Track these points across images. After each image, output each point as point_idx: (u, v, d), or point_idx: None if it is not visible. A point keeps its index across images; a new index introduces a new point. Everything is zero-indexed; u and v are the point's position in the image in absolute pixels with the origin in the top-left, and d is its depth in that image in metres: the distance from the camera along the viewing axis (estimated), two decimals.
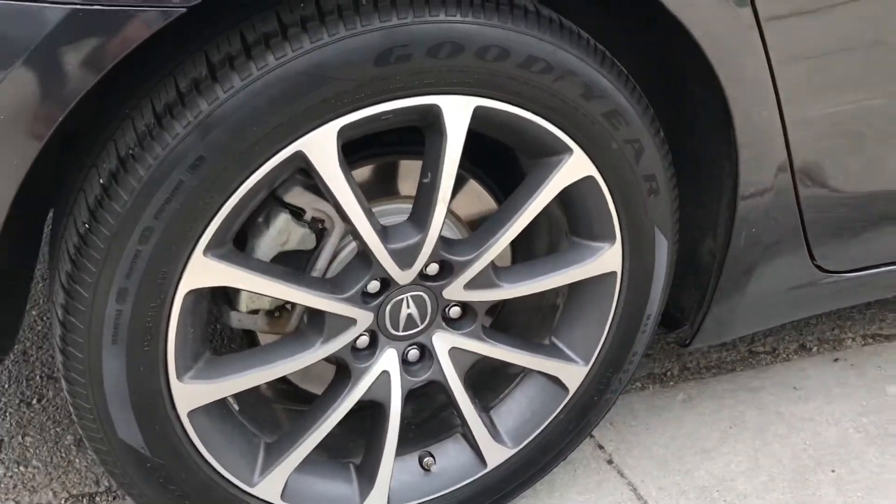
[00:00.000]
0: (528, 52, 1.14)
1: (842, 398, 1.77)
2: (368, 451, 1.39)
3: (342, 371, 1.32)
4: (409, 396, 1.36)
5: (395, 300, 1.27)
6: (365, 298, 1.26)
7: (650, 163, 1.29)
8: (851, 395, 1.78)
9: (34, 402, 1.72)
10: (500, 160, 1.42)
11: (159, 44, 1.03)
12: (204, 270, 1.13)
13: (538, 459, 1.47)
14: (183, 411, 1.21)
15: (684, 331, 1.55)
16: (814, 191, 1.40)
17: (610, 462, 1.63)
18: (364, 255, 1.23)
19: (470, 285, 1.29)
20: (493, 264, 1.30)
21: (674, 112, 1.38)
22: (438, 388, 1.38)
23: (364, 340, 1.30)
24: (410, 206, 1.26)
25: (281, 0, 1.07)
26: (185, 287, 1.13)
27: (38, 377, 1.77)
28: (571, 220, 1.35)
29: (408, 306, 1.29)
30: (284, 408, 1.45)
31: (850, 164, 1.42)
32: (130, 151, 1.07)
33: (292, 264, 1.27)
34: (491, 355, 1.37)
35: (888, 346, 1.91)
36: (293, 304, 1.29)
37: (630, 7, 1.30)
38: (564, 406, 1.44)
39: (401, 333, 1.31)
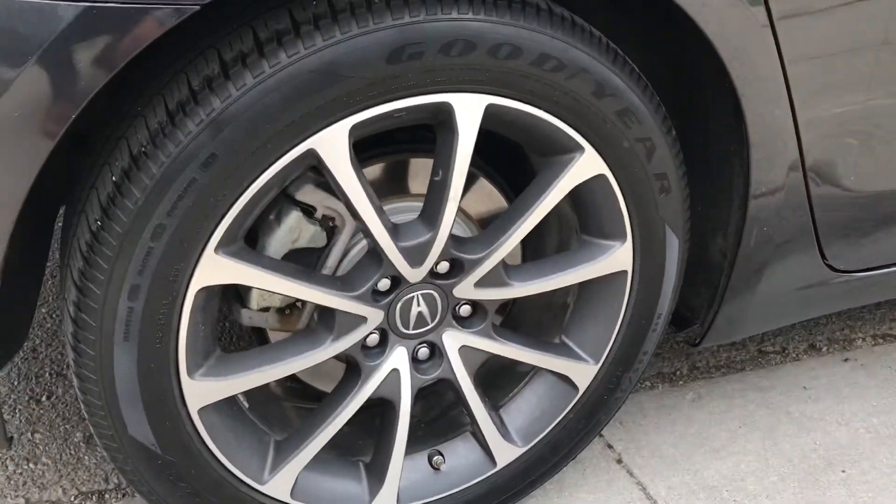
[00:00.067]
0: (540, 50, 1.14)
1: (852, 398, 1.76)
2: (378, 449, 1.39)
3: (352, 369, 1.32)
4: (419, 395, 1.36)
5: (405, 298, 1.27)
6: (375, 296, 1.26)
7: (662, 161, 1.29)
8: (862, 395, 1.77)
9: (44, 398, 1.72)
10: (509, 158, 1.42)
11: (169, 41, 1.03)
12: (215, 268, 1.13)
13: (548, 458, 1.47)
14: (193, 408, 1.21)
15: (694, 330, 1.55)
16: (825, 190, 1.40)
17: (619, 461, 1.63)
18: (375, 253, 1.23)
19: (480, 283, 1.29)
20: (503, 262, 1.30)
21: (685, 110, 1.38)
22: (448, 386, 1.38)
23: (374, 338, 1.30)
24: (421, 204, 1.26)
25: None
26: (196, 284, 1.13)
27: (47, 374, 1.78)
28: (582, 219, 1.35)
29: (418, 304, 1.29)
30: (294, 406, 1.45)
31: (863, 164, 1.41)
32: (143, 149, 1.07)
33: (303, 262, 1.27)
34: (501, 354, 1.37)
35: None
36: (303, 302, 1.29)
37: (642, 5, 1.30)
38: (574, 405, 1.44)
39: (411, 331, 1.31)
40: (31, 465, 1.59)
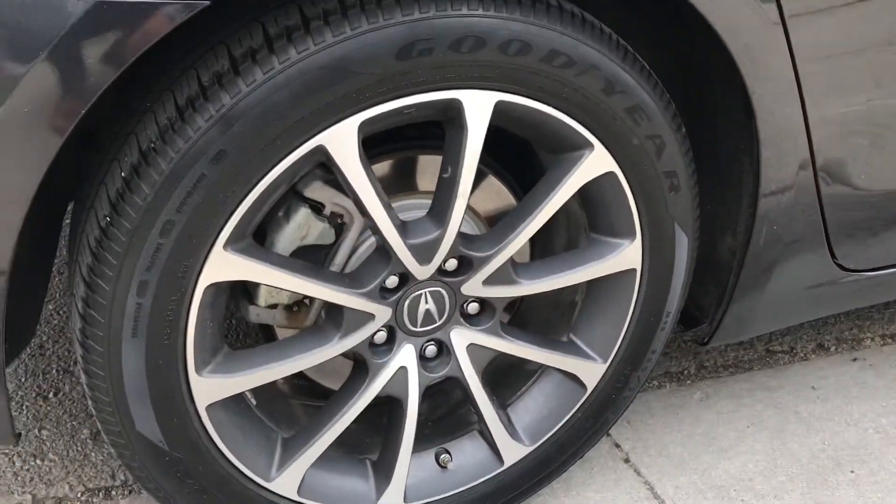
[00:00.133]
0: (550, 47, 1.14)
1: (860, 398, 1.76)
2: (385, 447, 1.38)
3: (360, 366, 1.32)
4: (426, 393, 1.36)
5: (413, 296, 1.27)
6: (383, 293, 1.25)
7: (671, 159, 1.28)
8: (870, 395, 1.76)
9: (51, 395, 1.72)
10: (517, 155, 1.41)
11: (179, 37, 1.03)
12: (224, 264, 1.13)
13: (555, 457, 1.46)
14: (201, 405, 1.21)
15: (703, 329, 1.54)
16: (836, 189, 1.39)
17: (627, 461, 1.62)
18: (383, 250, 1.23)
19: (489, 281, 1.29)
20: (511, 260, 1.29)
21: (695, 108, 1.37)
22: (456, 384, 1.38)
23: (382, 336, 1.30)
24: (429, 201, 1.25)
25: None
26: (205, 281, 1.13)
27: (54, 371, 1.78)
28: (591, 217, 1.34)
29: (426, 302, 1.28)
30: (301, 403, 1.45)
31: (874, 162, 1.41)
32: (152, 145, 1.06)
33: (311, 259, 1.26)
34: (509, 352, 1.37)
35: None
36: (311, 299, 1.29)
37: (652, 1, 1.29)
38: (582, 404, 1.43)
39: (419, 329, 1.30)
40: (38, 461, 1.59)
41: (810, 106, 1.29)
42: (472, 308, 1.34)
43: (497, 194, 1.41)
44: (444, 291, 1.28)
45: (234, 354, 1.24)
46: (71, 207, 1.32)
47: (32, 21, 0.98)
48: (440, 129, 1.22)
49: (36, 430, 1.65)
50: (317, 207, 1.25)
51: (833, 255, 1.46)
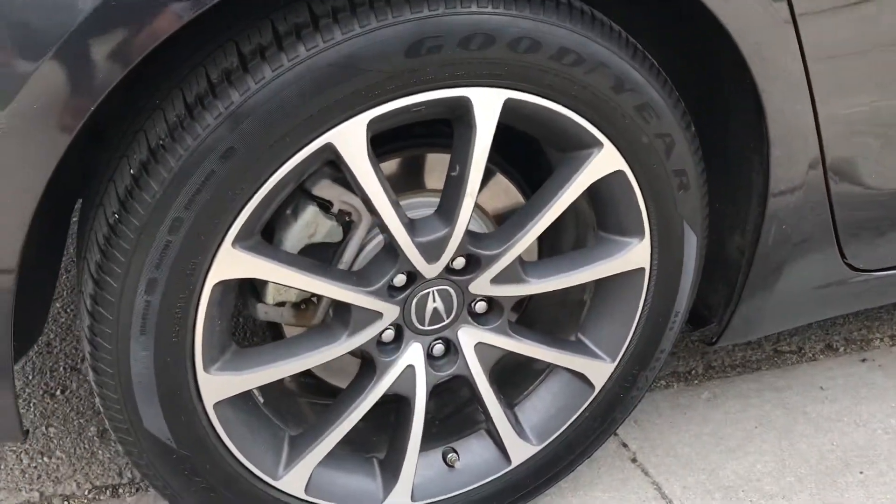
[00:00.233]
0: (559, 44, 1.13)
1: (869, 399, 1.75)
2: (392, 446, 1.38)
3: (367, 365, 1.32)
4: (434, 391, 1.36)
5: (421, 294, 1.27)
6: (391, 292, 1.25)
7: (681, 157, 1.28)
8: (880, 396, 1.76)
9: (58, 393, 1.72)
10: (525, 153, 1.41)
11: (187, 35, 1.03)
12: (232, 262, 1.13)
13: (563, 457, 1.46)
14: (209, 403, 1.21)
15: (711, 328, 1.53)
16: (846, 188, 1.39)
17: (634, 460, 1.62)
18: (391, 248, 1.23)
19: (497, 280, 1.29)
20: (520, 259, 1.29)
21: (704, 107, 1.37)
22: (463, 383, 1.37)
23: (389, 334, 1.30)
24: (437, 199, 1.25)
25: None
26: (213, 278, 1.13)
27: (61, 368, 1.78)
28: (600, 215, 1.34)
29: (434, 300, 1.28)
30: (309, 401, 1.45)
31: (885, 161, 1.40)
32: (161, 142, 1.06)
33: (319, 257, 1.26)
34: (517, 351, 1.36)
35: None
36: (319, 297, 1.29)
37: None
38: (590, 403, 1.43)
39: (426, 328, 1.30)
40: (45, 458, 1.59)
41: (820, 105, 1.28)
42: (480, 307, 1.34)
43: (505, 192, 1.40)
44: (451, 290, 1.28)
45: (242, 352, 1.24)
46: (79, 205, 1.32)
47: (41, 18, 0.98)
48: (448, 127, 1.22)
49: (43, 428, 1.65)
50: (325, 205, 1.25)
51: (843, 255, 1.46)
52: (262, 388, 1.30)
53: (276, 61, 1.04)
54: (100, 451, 1.61)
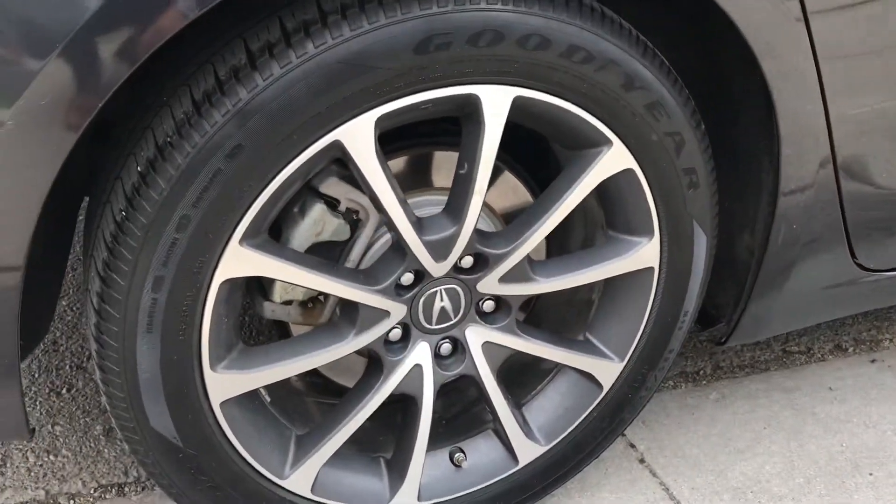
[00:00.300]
0: (569, 42, 1.12)
1: (879, 400, 1.74)
2: (399, 445, 1.38)
3: (374, 364, 1.31)
4: (441, 391, 1.35)
5: (428, 293, 1.26)
6: (398, 290, 1.25)
7: (690, 156, 1.27)
8: (889, 397, 1.74)
9: (64, 391, 1.72)
10: (534, 151, 1.40)
11: (194, 32, 1.02)
12: (240, 260, 1.12)
13: (570, 457, 1.45)
14: (216, 401, 1.21)
15: (720, 328, 1.53)
16: (857, 187, 1.38)
17: (642, 461, 1.61)
18: (398, 247, 1.22)
19: (505, 279, 1.28)
20: (528, 258, 1.28)
21: (715, 105, 1.36)
22: (470, 382, 1.37)
23: (397, 333, 1.29)
24: (445, 197, 1.24)
25: None
26: (220, 276, 1.12)
27: (67, 367, 1.78)
28: (609, 214, 1.33)
29: (441, 299, 1.27)
30: (316, 401, 1.44)
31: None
32: (169, 139, 1.06)
33: (327, 255, 1.26)
34: (525, 350, 1.36)
35: None
36: (326, 296, 1.28)
37: None
38: (598, 403, 1.42)
39: (434, 327, 1.29)
40: (51, 457, 1.59)
41: (832, 103, 1.27)
42: (488, 306, 1.33)
43: (513, 191, 1.40)
44: (459, 289, 1.27)
45: (249, 351, 1.23)
46: (86, 203, 1.32)
47: (48, 16, 0.98)
48: (456, 125, 1.21)
49: (49, 426, 1.65)
50: (332, 203, 1.24)
51: (853, 255, 1.45)
52: (268, 387, 1.29)
53: (285, 58, 1.04)
54: (105, 450, 1.60)
